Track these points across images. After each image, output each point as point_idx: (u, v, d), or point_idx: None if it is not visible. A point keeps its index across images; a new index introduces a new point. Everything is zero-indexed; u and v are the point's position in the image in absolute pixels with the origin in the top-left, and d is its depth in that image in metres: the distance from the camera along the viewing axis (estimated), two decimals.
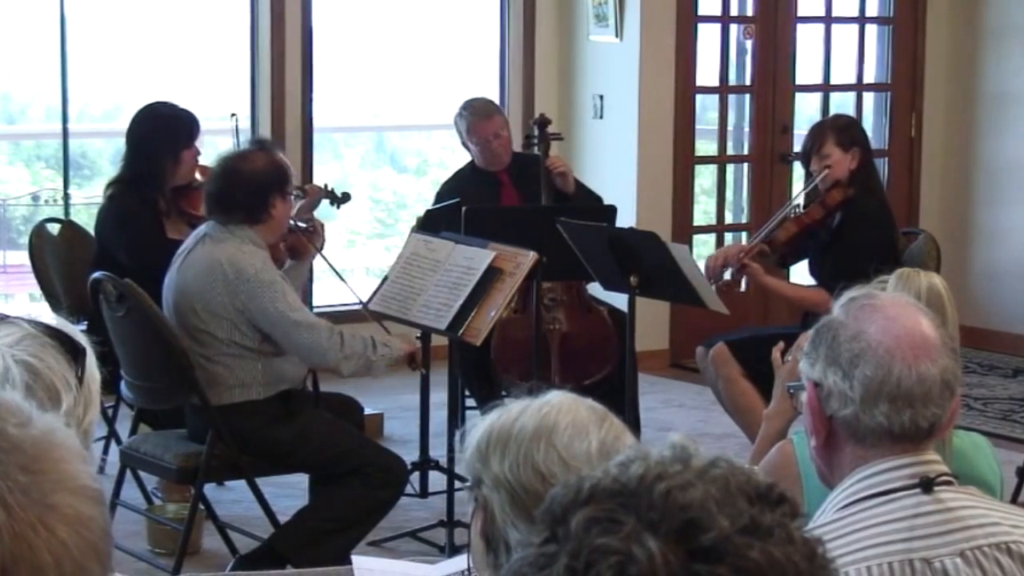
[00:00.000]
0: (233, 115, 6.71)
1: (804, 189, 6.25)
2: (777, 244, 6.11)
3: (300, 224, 5.37)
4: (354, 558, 2.49)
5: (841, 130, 6.11)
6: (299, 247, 5.35)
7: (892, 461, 2.20)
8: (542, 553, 1.18)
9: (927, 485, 2.18)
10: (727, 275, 6.09)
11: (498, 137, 6.65)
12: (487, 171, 6.71)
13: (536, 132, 6.69)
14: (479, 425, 2.08)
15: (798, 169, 9.06)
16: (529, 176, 6.58)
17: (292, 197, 5.08)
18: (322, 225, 5.50)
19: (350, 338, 4.94)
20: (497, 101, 7.14)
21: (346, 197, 6.07)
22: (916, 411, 2.19)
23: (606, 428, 2.07)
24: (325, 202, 6.15)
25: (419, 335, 5.65)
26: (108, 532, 1.30)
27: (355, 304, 5.64)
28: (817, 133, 6.11)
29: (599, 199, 6.72)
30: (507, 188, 6.72)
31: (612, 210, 6.54)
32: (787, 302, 6.04)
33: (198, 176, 5.82)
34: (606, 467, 1.22)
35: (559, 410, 2.06)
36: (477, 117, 6.67)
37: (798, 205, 6.22)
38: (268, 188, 4.93)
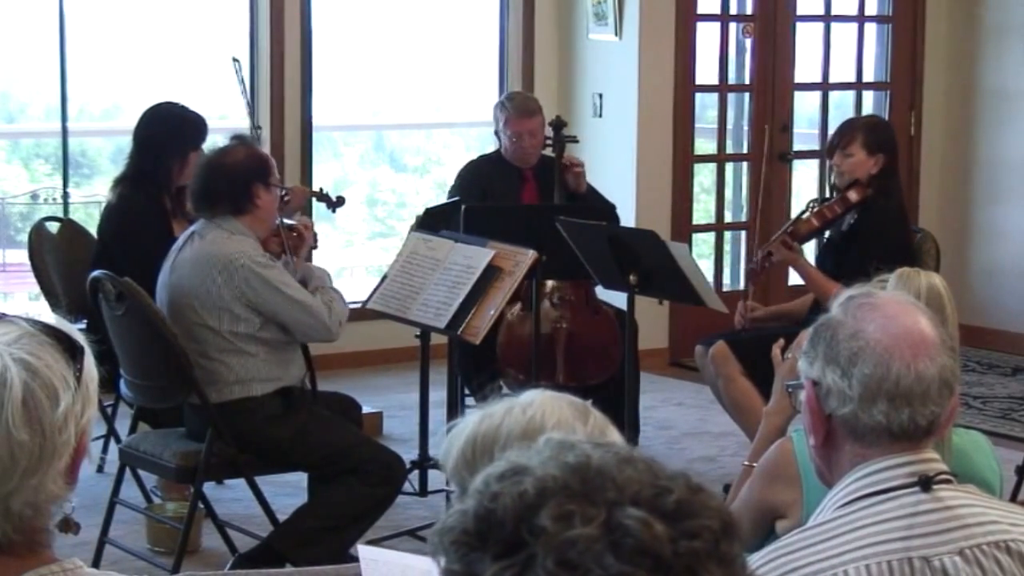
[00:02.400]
0: (235, 60, 6.74)
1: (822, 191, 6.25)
2: (799, 236, 6.11)
3: (289, 222, 5.40)
4: (360, 548, 2.49)
5: (871, 131, 6.07)
6: (292, 245, 5.39)
7: (891, 459, 2.20)
8: (511, 564, 1.18)
9: (926, 483, 2.18)
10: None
11: (533, 136, 6.70)
12: (513, 164, 6.76)
13: (552, 134, 6.72)
14: (460, 431, 2.06)
15: (798, 168, 9.08)
16: (550, 177, 6.62)
17: (277, 189, 5.09)
18: (312, 224, 5.55)
19: (335, 301, 5.04)
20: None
21: (341, 201, 6.08)
22: (915, 409, 2.19)
23: (591, 423, 2.06)
24: (322, 206, 6.18)
25: (418, 333, 5.66)
26: None
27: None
28: (847, 129, 6.09)
29: (608, 203, 6.73)
30: (530, 184, 6.77)
31: (611, 209, 6.55)
32: (817, 290, 5.99)
33: None
34: (499, 479, 1.25)
35: (543, 410, 2.05)
36: (517, 112, 6.73)
37: (815, 200, 6.23)
38: (250, 178, 4.97)
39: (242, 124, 7.29)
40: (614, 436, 2.03)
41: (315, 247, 5.59)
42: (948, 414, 2.24)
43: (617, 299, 6.30)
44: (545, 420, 2.03)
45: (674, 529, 1.19)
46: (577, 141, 7.25)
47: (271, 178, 5.04)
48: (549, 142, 6.74)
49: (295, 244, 5.38)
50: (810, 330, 2.28)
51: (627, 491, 1.21)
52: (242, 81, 6.78)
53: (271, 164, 5.10)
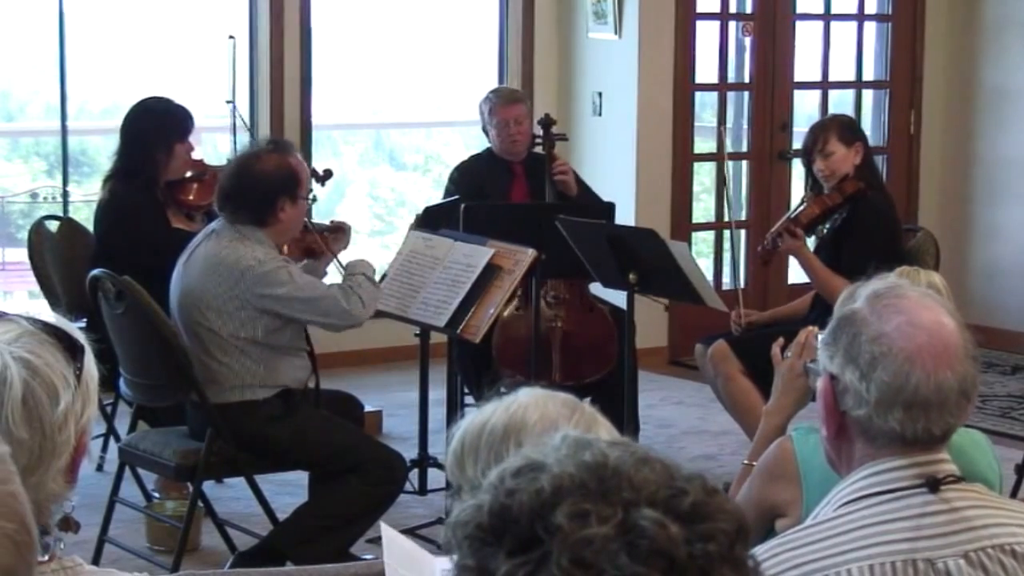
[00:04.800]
0: (229, 102, 6.77)
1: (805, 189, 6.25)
2: (801, 225, 6.10)
3: (316, 224, 5.38)
4: (383, 527, 2.49)
5: (843, 126, 6.12)
6: (314, 247, 5.36)
7: (899, 460, 2.18)
8: (525, 561, 1.18)
9: (933, 485, 2.17)
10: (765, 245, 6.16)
11: (518, 124, 6.70)
12: (503, 160, 6.75)
13: (541, 132, 6.71)
14: (456, 431, 2.07)
15: (797, 167, 9.07)
16: (542, 173, 6.61)
17: (305, 200, 5.02)
18: (349, 227, 5.49)
19: (359, 286, 4.97)
20: None
21: (328, 174, 6.08)
22: (930, 419, 2.16)
23: (576, 419, 2.05)
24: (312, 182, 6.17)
25: (418, 332, 5.66)
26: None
27: None
28: (819, 130, 6.10)
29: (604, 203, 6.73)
30: (519, 180, 6.75)
31: (610, 208, 6.54)
32: (818, 281, 5.99)
33: (188, 174, 5.86)
34: (515, 475, 1.24)
35: (527, 407, 2.05)
36: (501, 100, 6.75)
37: (808, 196, 6.21)
38: (275, 191, 4.90)
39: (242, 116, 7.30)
40: (601, 431, 2.03)
41: (346, 245, 5.56)
42: (963, 419, 2.23)
43: (616, 297, 6.29)
44: (527, 417, 2.03)
45: (689, 531, 1.19)
46: (566, 139, 7.25)
47: (300, 190, 4.95)
48: (539, 140, 6.74)
49: (335, 242, 5.35)
50: (832, 321, 2.25)
51: (643, 492, 1.21)
52: (233, 61, 6.87)
53: (301, 177, 4.96)
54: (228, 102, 6.86)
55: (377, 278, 5.20)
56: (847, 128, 6.13)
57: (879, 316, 2.19)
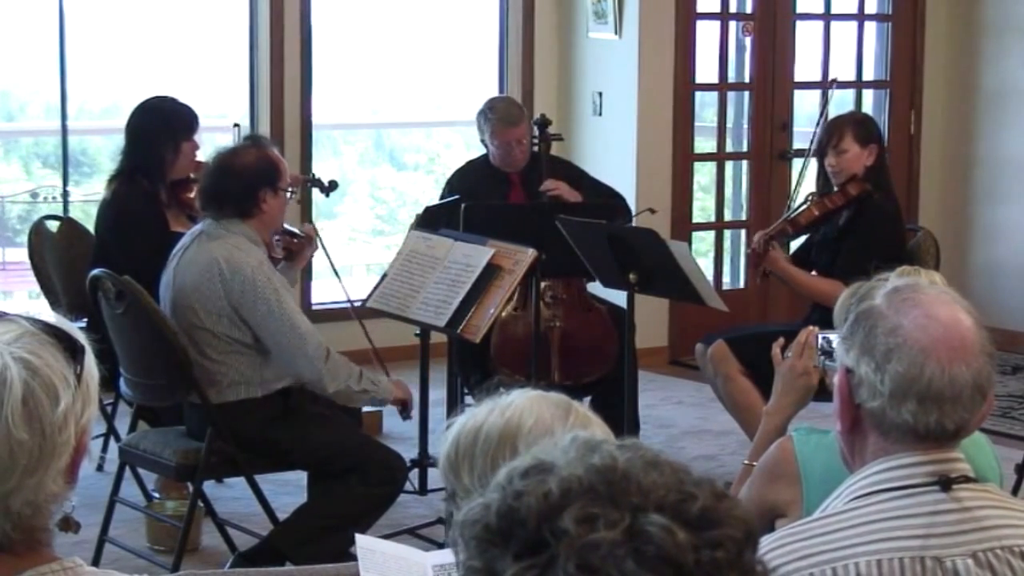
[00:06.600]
0: (236, 125, 6.77)
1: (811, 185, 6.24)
2: (799, 226, 6.10)
3: (292, 229, 5.43)
4: (358, 537, 2.49)
5: (859, 125, 6.08)
6: (294, 251, 5.39)
7: (912, 457, 2.19)
8: (532, 564, 1.18)
9: (945, 484, 2.17)
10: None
11: (520, 144, 6.62)
12: (500, 169, 6.72)
13: (536, 133, 6.69)
14: (449, 433, 2.06)
15: (797, 166, 9.07)
16: (537, 177, 6.59)
17: (286, 193, 5.06)
18: (315, 230, 5.55)
19: (338, 359, 4.91)
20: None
21: (333, 185, 6.10)
22: (943, 413, 2.17)
23: (571, 421, 2.05)
24: (315, 190, 6.19)
25: (418, 332, 5.66)
26: None
27: (350, 302, 5.65)
28: (835, 127, 6.06)
29: (615, 194, 6.70)
30: (516, 188, 6.73)
31: (618, 202, 6.54)
32: (803, 290, 6.00)
33: (192, 174, 5.85)
34: (523, 475, 1.24)
35: (521, 411, 2.04)
36: (502, 123, 6.61)
37: (813, 193, 6.18)
38: (257, 182, 4.93)
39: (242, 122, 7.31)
40: (596, 431, 2.02)
41: (316, 249, 5.57)
42: (980, 418, 2.23)
43: (616, 296, 6.29)
44: (523, 422, 2.02)
45: (697, 538, 1.19)
46: (562, 139, 7.24)
47: (280, 183, 4.98)
48: (534, 141, 6.71)
49: (299, 247, 5.39)
50: (850, 316, 2.25)
51: (652, 496, 1.20)
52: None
53: (282, 168, 5.02)
54: (235, 125, 6.86)
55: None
56: (864, 128, 6.08)
57: (896, 310, 2.20)
